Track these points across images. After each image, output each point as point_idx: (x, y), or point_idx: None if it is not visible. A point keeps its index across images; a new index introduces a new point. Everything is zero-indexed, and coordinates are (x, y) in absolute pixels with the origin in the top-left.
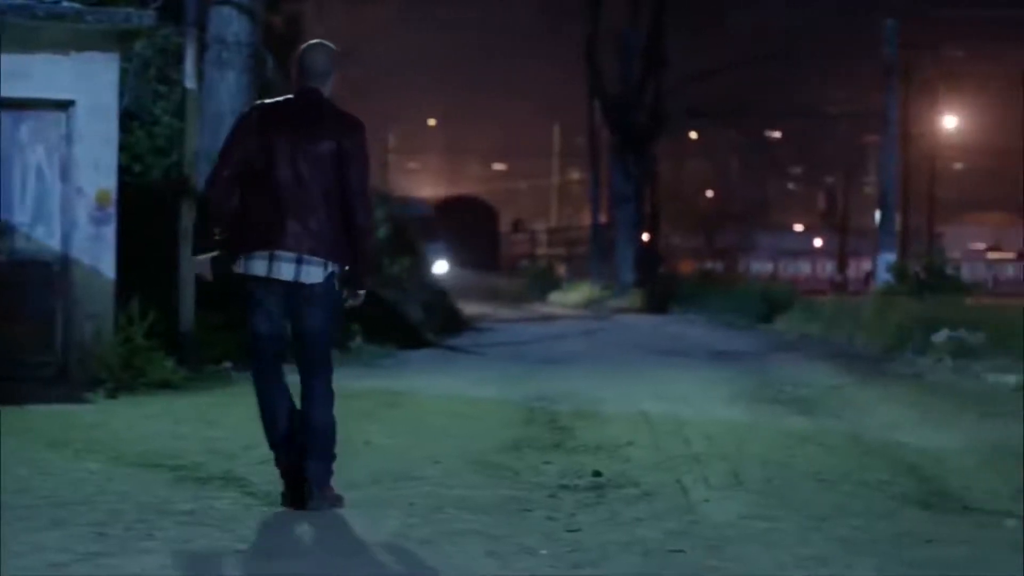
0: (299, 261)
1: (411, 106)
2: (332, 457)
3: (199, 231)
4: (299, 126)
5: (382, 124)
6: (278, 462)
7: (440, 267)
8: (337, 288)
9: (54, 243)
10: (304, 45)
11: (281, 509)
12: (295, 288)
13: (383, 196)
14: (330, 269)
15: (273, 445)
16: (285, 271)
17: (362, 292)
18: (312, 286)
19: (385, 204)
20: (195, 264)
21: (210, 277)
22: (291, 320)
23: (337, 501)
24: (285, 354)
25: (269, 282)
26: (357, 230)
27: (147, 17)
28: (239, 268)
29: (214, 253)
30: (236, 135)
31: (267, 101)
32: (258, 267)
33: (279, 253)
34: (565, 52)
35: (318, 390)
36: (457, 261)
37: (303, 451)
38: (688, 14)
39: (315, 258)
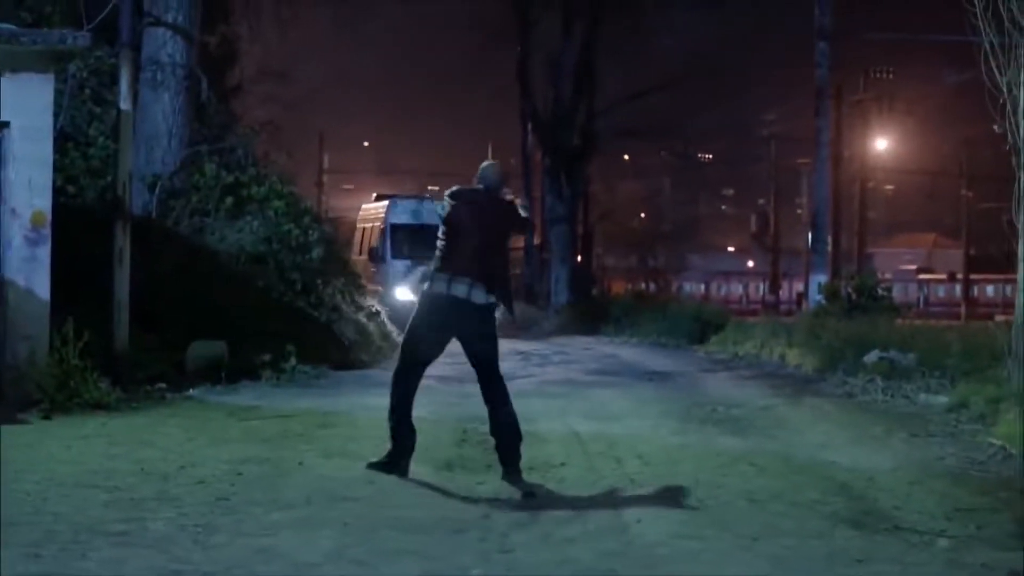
0: (471, 285)
1: (345, 126)
2: (519, 439)
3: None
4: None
5: (316, 144)
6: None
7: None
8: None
9: None
10: (484, 163)
11: (216, 533)
12: (467, 306)
13: (315, 216)
14: (492, 298)
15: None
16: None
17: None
18: (479, 306)
19: (319, 225)
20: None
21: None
22: (464, 337)
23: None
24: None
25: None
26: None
27: (82, 38)
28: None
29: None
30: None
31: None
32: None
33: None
34: (499, 73)
35: (497, 391)
36: None
37: (498, 442)
38: (620, 36)
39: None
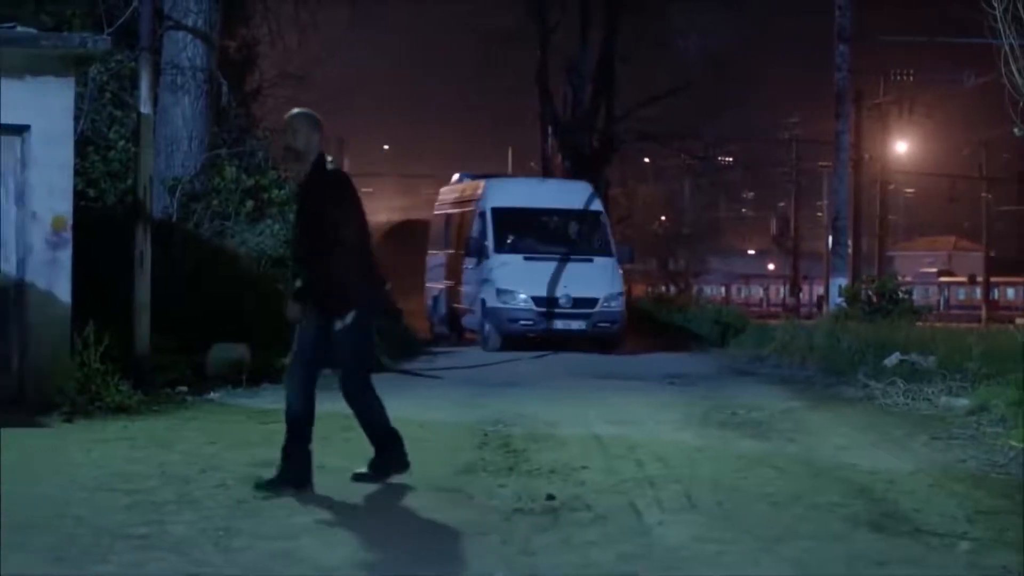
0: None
1: (365, 130)
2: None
3: None
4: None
5: (336, 148)
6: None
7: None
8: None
9: (9, 268)
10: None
11: (237, 536)
12: None
13: None
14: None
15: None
16: None
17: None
18: None
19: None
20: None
21: None
22: None
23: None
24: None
25: None
26: None
27: (102, 42)
28: None
29: None
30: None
31: None
32: None
33: None
34: (518, 76)
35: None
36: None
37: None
38: (638, 39)
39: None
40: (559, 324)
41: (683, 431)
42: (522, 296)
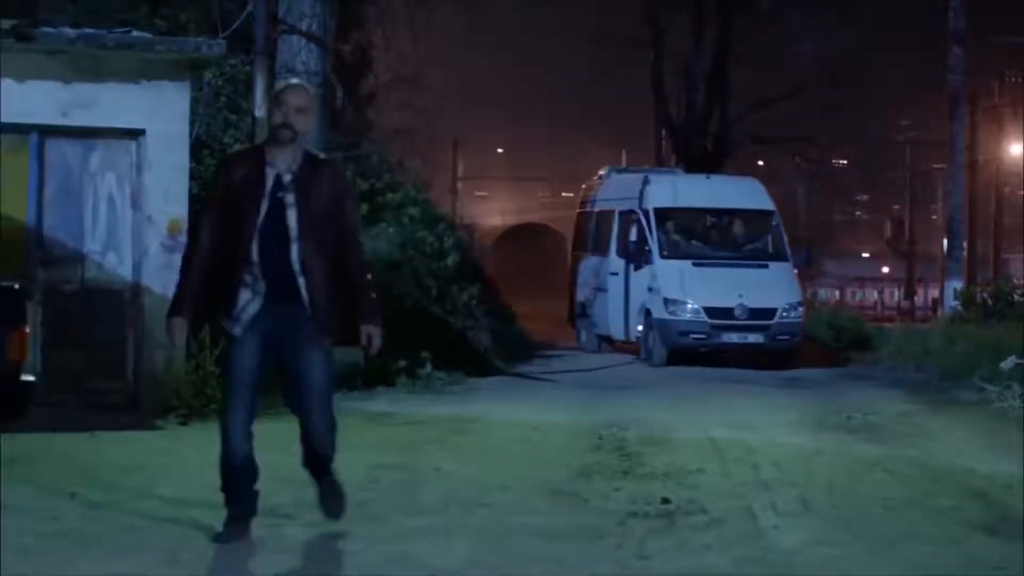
0: None
1: (478, 133)
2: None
3: None
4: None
5: (450, 150)
6: None
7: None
8: None
9: (125, 271)
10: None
11: (353, 539)
12: None
13: (449, 223)
14: None
15: None
16: None
17: None
18: None
19: (453, 231)
20: None
21: None
22: None
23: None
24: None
25: None
26: None
27: (217, 46)
28: None
29: None
30: None
31: None
32: None
33: None
34: (632, 79)
35: None
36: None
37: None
38: (752, 39)
39: None
40: (734, 337)
41: (798, 434)
42: (693, 306)
